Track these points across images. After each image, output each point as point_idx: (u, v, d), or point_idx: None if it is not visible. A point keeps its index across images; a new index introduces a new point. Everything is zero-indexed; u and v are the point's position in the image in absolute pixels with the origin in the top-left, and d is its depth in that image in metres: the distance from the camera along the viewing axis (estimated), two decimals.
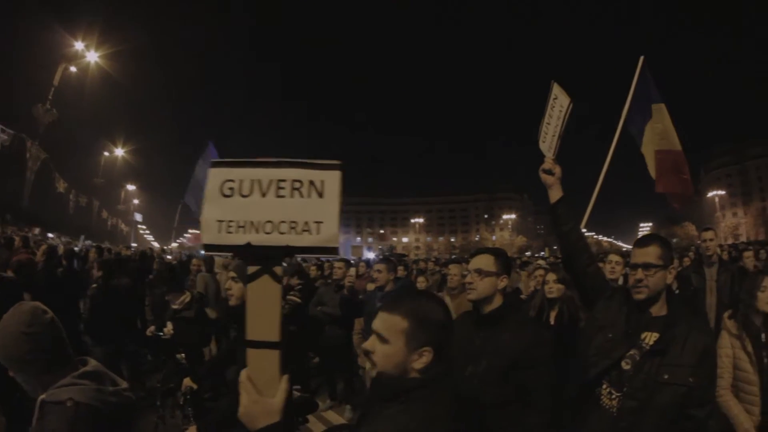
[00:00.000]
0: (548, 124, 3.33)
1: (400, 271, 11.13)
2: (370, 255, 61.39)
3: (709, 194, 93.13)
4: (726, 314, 4.23)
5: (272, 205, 2.00)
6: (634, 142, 6.50)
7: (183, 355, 6.24)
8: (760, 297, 3.89)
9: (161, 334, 6.55)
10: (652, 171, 6.40)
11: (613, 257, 5.83)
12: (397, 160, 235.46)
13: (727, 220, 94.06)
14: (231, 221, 2.00)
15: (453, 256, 48.44)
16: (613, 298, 2.81)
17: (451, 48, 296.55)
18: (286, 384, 1.86)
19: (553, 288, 4.78)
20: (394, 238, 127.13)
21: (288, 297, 7.52)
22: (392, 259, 8.30)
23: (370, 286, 7.57)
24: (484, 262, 3.10)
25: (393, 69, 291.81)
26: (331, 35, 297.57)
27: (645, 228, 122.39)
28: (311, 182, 2.02)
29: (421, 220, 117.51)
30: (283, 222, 1.99)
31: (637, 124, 6.42)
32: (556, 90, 3.31)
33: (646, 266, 2.58)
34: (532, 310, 5.01)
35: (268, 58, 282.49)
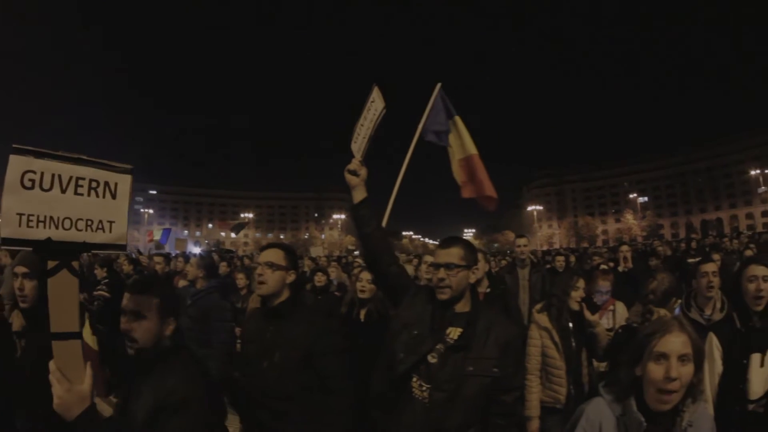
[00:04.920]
0: (362, 125, 3.36)
1: (224, 268, 11.15)
2: (197, 250, 59.02)
3: (529, 208, 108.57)
4: (535, 309, 4.61)
5: (71, 202, 2.10)
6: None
7: None
8: (573, 295, 4.31)
9: None
10: (459, 180, 6.87)
11: (428, 258, 6.10)
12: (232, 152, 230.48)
13: (543, 230, 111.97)
14: (32, 215, 2.01)
15: None
16: (418, 296, 2.87)
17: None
18: (90, 370, 2.00)
19: (366, 287, 4.84)
20: (222, 233, 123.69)
21: (96, 292, 7.14)
22: (205, 254, 7.97)
23: (182, 283, 7.24)
24: (275, 256, 3.15)
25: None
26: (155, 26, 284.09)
27: (469, 233, 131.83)
28: (106, 183, 2.19)
29: (250, 215, 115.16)
30: (80, 219, 2.12)
31: (443, 139, 6.85)
32: (375, 93, 3.36)
33: (449, 266, 2.68)
34: (344, 306, 5.15)
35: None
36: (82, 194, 2.12)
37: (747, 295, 3.43)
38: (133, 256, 14.69)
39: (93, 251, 2.24)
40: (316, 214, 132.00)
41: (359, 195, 3.08)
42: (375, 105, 3.32)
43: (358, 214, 3.07)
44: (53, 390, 1.92)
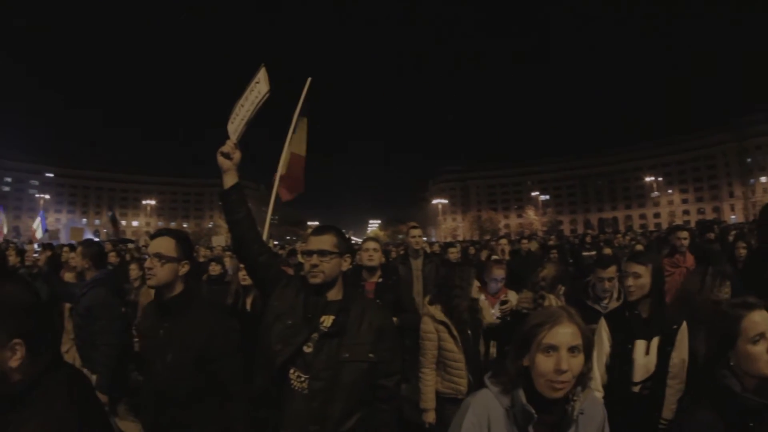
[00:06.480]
0: (242, 106, 3.20)
1: (112, 258, 10.13)
2: (96, 240, 55.69)
3: (435, 201, 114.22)
4: (426, 300, 4.64)
5: None
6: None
7: None
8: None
9: None
10: (282, 168, 7.09)
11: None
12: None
13: (448, 223, 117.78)
14: None
15: None
16: (289, 286, 2.81)
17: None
18: None
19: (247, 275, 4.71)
20: (123, 222, 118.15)
21: None
22: (94, 241, 7.31)
23: (69, 276, 6.68)
24: (166, 246, 2.92)
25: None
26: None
27: (374, 224, 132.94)
28: None
29: (153, 202, 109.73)
30: None
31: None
32: (261, 75, 3.19)
33: (322, 253, 2.66)
34: (230, 297, 5.07)
35: None
36: None
37: (624, 286, 3.77)
38: (25, 247, 13.84)
39: None
40: (220, 202, 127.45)
41: (230, 180, 2.93)
42: (259, 87, 3.15)
43: (228, 200, 2.93)
44: None
